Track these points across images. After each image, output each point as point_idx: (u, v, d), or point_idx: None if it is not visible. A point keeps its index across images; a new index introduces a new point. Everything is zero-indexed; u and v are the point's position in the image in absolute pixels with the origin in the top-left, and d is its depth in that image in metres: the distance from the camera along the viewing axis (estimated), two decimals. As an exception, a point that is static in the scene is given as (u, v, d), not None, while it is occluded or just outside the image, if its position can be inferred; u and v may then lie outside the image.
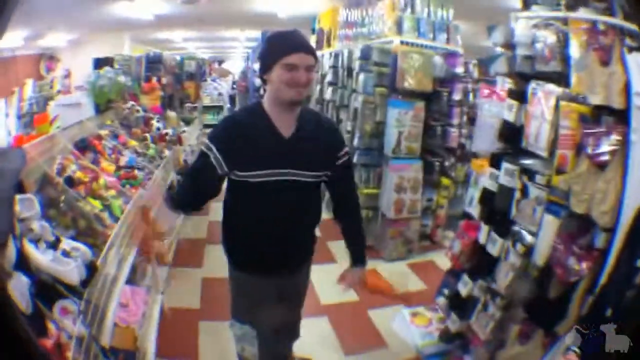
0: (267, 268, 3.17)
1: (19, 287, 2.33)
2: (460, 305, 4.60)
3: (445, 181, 7.32)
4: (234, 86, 16.99)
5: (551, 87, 3.46)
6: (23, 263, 2.48)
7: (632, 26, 2.93)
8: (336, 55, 9.23)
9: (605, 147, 3.02)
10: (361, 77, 7.52)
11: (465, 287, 4.53)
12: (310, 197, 3.16)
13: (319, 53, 10.28)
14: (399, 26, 7.03)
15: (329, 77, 9.59)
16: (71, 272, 2.74)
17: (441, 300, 4.97)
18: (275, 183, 2.91)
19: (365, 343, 5.14)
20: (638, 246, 2.70)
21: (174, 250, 6.35)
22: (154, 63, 8.71)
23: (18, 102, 7.37)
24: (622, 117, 2.97)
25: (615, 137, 2.99)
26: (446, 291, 4.91)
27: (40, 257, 2.65)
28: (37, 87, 4.33)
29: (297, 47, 2.81)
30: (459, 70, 6.94)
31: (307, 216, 3.24)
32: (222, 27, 12.90)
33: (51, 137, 4.04)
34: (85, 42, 7.00)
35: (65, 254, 2.84)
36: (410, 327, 5.40)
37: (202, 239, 7.44)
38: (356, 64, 7.84)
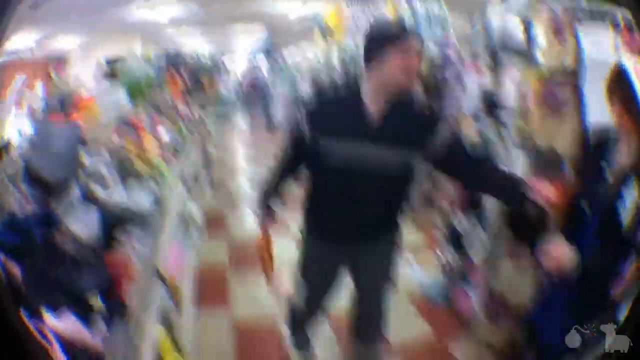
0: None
1: (86, 218, 2.94)
2: (456, 238, 5.07)
3: None
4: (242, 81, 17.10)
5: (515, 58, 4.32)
6: (91, 200, 3.19)
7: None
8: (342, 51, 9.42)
9: (559, 100, 3.69)
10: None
11: (458, 220, 5.05)
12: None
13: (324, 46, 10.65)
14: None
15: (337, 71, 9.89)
16: (142, 200, 3.57)
17: (439, 236, 5.50)
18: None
19: None
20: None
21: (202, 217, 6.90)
22: (174, 59, 9.18)
23: (27, 103, 7.72)
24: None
25: (568, 92, 3.62)
26: (442, 227, 5.39)
27: (113, 194, 3.43)
28: (47, 89, 4.70)
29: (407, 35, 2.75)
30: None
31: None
32: (231, 26, 12.97)
33: (99, 115, 4.62)
34: (95, 45, 7.35)
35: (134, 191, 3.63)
36: (413, 267, 5.84)
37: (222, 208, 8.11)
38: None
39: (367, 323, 3.61)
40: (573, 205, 2.86)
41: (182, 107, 7.54)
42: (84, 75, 5.01)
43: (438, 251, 5.63)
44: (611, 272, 2.59)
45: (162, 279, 3.37)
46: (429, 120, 2.97)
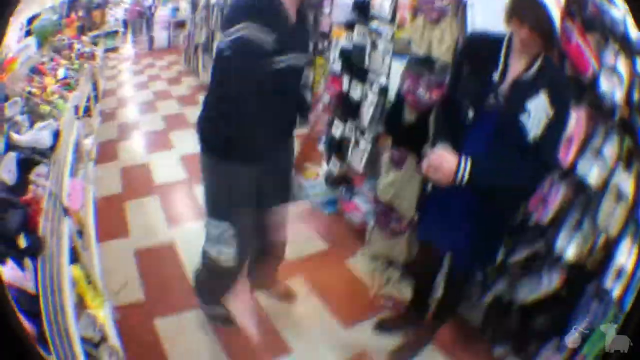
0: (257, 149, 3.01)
1: (8, 165, 3.18)
2: (337, 148, 5.24)
3: (320, 60, 6.99)
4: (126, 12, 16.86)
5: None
6: (10, 147, 3.36)
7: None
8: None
9: (436, 8, 3.65)
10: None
11: (337, 130, 5.15)
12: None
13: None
14: None
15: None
16: (44, 137, 3.75)
17: (321, 148, 5.57)
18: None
19: None
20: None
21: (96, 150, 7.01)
22: (73, 2, 9.21)
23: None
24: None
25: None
26: (322, 138, 5.44)
27: (23, 137, 3.61)
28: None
29: None
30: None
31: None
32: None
33: (16, 70, 4.87)
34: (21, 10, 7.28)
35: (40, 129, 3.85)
36: (302, 181, 5.69)
37: (114, 139, 8.12)
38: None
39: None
40: (456, 112, 2.82)
41: (77, 45, 7.76)
42: (11, 39, 5.16)
43: (324, 163, 5.73)
44: (511, 182, 2.68)
45: (67, 212, 3.43)
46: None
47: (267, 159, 3.12)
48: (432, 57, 3.75)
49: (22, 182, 3.22)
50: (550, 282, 3.19)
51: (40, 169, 3.44)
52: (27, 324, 2.17)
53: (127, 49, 16.14)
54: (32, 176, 3.31)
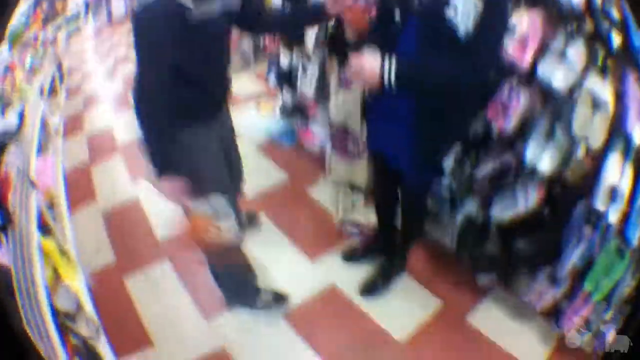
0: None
1: None
2: (287, 78, 5.10)
3: None
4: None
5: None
6: None
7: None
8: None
9: None
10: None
11: (285, 62, 5.06)
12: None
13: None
14: None
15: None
16: (12, 121, 3.89)
17: (272, 79, 5.42)
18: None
19: None
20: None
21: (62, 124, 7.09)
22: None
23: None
24: None
25: None
26: (272, 73, 5.35)
27: None
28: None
29: None
30: None
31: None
32: None
33: None
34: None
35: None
36: (256, 117, 6.07)
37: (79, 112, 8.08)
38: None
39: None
40: (385, 17, 2.67)
41: (41, 36, 7.84)
42: None
43: (277, 95, 5.72)
44: (442, 80, 2.50)
45: (35, 186, 3.58)
46: None
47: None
48: None
49: None
50: (526, 199, 3.04)
51: (11, 148, 3.54)
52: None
53: (89, 28, 16.09)
54: (4, 157, 3.40)
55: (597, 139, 2.67)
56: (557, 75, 2.73)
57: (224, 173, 3.17)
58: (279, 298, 3.70)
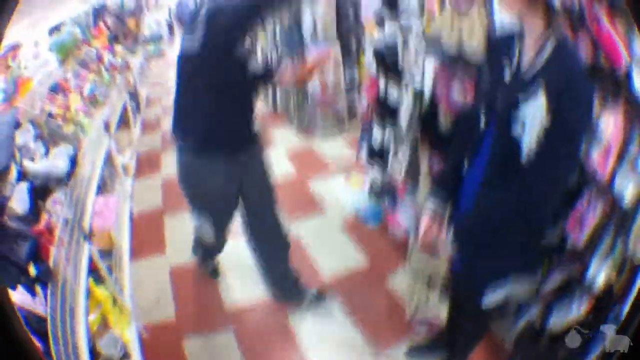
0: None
1: (20, 194, 3.28)
2: (378, 157, 5.07)
3: (363, 59, 7.14)
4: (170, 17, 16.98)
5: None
6: (23, 175, 3.52)
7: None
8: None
9: None
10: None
11: (377, 138, 4.99)
12: None
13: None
14: None
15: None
16: (59, 164, 3.83)
17: (363, 154, 5.37)
18: None
19: (306, 210, 5.81)
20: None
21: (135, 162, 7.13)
22: (99, 11, 9.23)
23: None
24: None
25: None
26: (364, 147, 5.32)
27: (37, 165, 3.70)
28: (8, 77, 4.86)
29: None
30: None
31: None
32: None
33: (32, 92, 4.81)
34: (38, 21, 7.29)
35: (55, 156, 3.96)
36: (345, 191, 6.06)
37: (157, 147, 8.19)
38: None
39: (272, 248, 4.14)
40: (471, 123, 2.56)
41: (107, 57, 7.71)
42: (28, 54, 5.21)
43: (367, 170, 5.55)
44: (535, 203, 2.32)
45: (89, 237, 3.57)
46: None
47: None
48: (463, 54, 3.49)
49: (35, 211, 3.32)
50: (579, 309, 3.01)
51: (57, 195, 3.57)
52: (35, 340, 2.31)
53: (174, 52, 16.31)
54: (47, 204, 3.42)
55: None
56: (629, 185, 2.60)
57: (220, 206, 3.82)
58: (215, 273, 4.77)
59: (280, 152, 7.35)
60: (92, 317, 3.45)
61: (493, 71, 2.44)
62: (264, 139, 3.86)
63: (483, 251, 2.52)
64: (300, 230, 5.38)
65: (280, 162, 6.88)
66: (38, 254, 2.94)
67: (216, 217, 3.88)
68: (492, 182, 2.38)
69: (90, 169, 4.42)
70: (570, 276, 3.09)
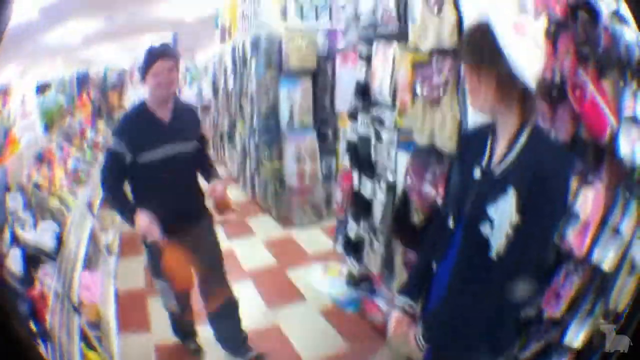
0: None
1: (15, 258, 3.43)
2: (354, 248, 5.06)
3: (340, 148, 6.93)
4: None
5: (389, 43, 4.03)
6: (16, 241, 3.63)
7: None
8: (233, 48, 9.75)
9: (435, 85, 3.36)
10: (253, 63, 8.26)
11: (352, 230, 5.00)
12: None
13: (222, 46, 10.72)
14: (283, 13, 7.79)
15: (229, 68, 10.20)
16: (47, 241, 3.97)
17: (339, 245, 5.42)
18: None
19: (286, 298, 5.78)
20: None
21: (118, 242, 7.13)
22: (83, 80, 9.28)
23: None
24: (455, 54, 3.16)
25: (445, 74, 3.27)
26: (340, 238, 5.36)
27: (27, 235, 3.85)
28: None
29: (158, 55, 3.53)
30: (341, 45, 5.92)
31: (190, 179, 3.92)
32: (135, 36, 12.95)
33: (20, 155, 4.98)
34: (29, 71, 7.36)
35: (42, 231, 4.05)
36: (323, 280, 6.02)
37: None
38: (248, 53, 8.57)
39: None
40: (442, 221, 2.43)
41: (90, 134, 7.82)
42: (16, 110, 5.26)
43: (344, 260, 5.60)
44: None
45: (78, 309, 3.73)
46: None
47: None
48: (435, 147, 3.47)
49: (29, 276, 3.43)
50: None
51: (47, 267, 3.69)
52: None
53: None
54: (38, 273, 3.52)
55: (623, 302, 2.61)
56: (608, 254, 2.64)
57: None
58: (197, 352, 4.69)
59: (259, 240, 7.53)
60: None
61: (463, 169, 2.34)
62: None
63: (454, 345, 2.39)
64: (280, 316, 5.43)
65: (259, 251, 7.12)
66: (36, 315, 3.03)
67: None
68: (461, 280, 2.27)
69: (76, 246, 4.56)
70: (549, 340, 3.07)
